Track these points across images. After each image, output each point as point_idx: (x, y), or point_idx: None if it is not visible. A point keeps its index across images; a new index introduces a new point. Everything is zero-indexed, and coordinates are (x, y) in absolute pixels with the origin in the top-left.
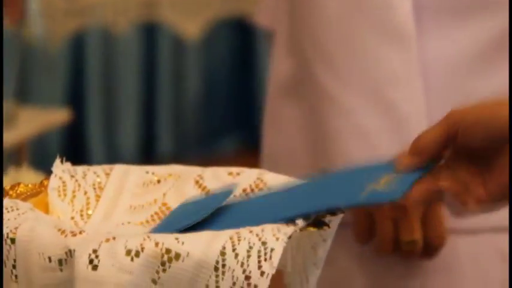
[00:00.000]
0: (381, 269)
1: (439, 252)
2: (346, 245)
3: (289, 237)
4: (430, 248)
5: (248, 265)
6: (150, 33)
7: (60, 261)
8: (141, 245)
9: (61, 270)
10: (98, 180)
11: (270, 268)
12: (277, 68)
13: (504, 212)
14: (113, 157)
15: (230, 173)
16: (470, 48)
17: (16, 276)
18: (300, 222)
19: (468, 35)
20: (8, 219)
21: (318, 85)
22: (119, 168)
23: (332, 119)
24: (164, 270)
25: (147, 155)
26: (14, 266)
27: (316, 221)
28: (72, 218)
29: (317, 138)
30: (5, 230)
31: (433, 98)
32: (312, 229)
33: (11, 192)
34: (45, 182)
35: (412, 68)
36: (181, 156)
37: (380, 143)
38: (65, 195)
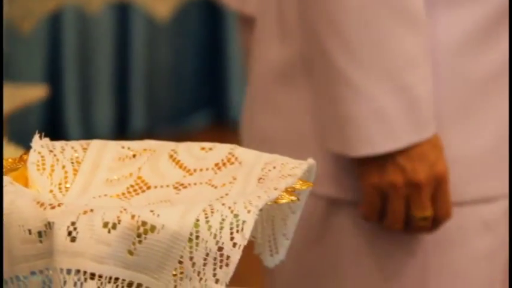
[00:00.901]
0: (382, 244)
1: (442, 226)
2: (351, 223)
3: (260, 210)
4: (437, 222)
5: (221, 237)
6: (123, 13)
7: (39, 233)
8: (118, 217)
9: (41, 242)
10: (76, 155)
11: (242, 239)
12: (268, 54)
13: (484, 184)
14: (88, 133)
15: (203, 148)
16: (469, 28)
17: None
18: (271, 195)
19: (467, 16)
20: None
21: (335, 71)
22: (95, 144)
23: (351, 103)
24: (140, 242)
25: (122, 131)
26: None
27: (286, 194)
28: (51, 191)
29: (331, 122)
30: None
31: (437, 78)
32: (281, 202)
33: None
34: (25, 157)
35: (423, 51)
36: (154, 132)
37: (398, 126)
38: (43, 169)
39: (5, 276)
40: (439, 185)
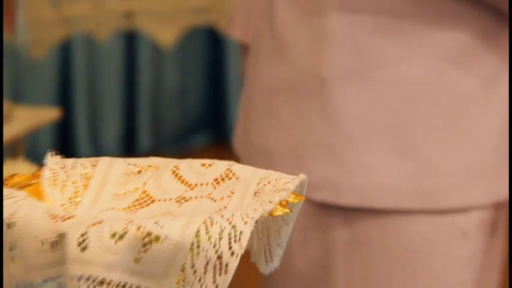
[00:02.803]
0: (367, 248)
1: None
2: (342, 226)
3: (256, 221)
4: None
5: (220, 246)
6: (130, 40)
7: (52, 244)
8: (125, 228)
9: (53, 252)
10: (85, 171)
11: (239, 248)
12: (264, 72)
13: (463, 194)
14: (97, 151)
15: (203, 164)
16: (453, 50)
17: (13, 257)
18: (266, 208)
19: (451, 39)
20: (5, 206)
21: None
22: (104, 161)
23: None
24: (145, 251)
25: (128, 149)
26: (11, 249)
27: (280, 207)
28: (63, 205)
29: None
30: (2, 216)
31: (424, 94)
32: (276, 214)
33: (7, 182)
34: (39, 173)
35: None
36: (159, 150)
37: None
38: (55, 184)
39: (21, 283)
40: None
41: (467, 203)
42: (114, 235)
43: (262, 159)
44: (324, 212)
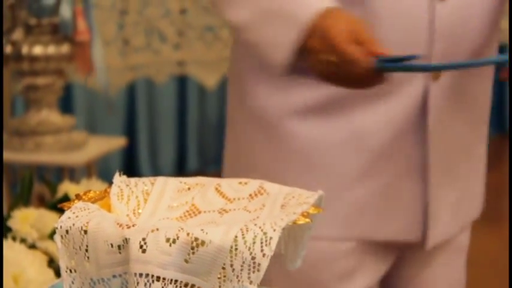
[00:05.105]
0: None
1: None
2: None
3: (283, 229)
4: None
5: (254, 249)
6: (182, 83)
7: (119, 247)
8: (177, 234)
9: (120, 253)
10: (146, 188)
11: (269, 251)
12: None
13: (323, 226)
14: (156, 172)
15: (240, 183)
16: (317, 101)
17: (88, 257)
18: (291, 218)
19: (314, 93)
20: (82, 216)
21: None
22: (160, 179)
23: None
24: (193, 253)
25: (180, 170)
26: (86, 250)
27: (302, 217)
28: (127, 215)
29: None
30: (79, 224)
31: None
32: (299, 223)
33: (83, 197)
34: (108, 190)
35: None
36: (204, 171)
37: None
38: (122, 198)
39: (94, 278)
40: None
41: (329, 234)
42: (168, 240)
43: (233, 168)
44: None
